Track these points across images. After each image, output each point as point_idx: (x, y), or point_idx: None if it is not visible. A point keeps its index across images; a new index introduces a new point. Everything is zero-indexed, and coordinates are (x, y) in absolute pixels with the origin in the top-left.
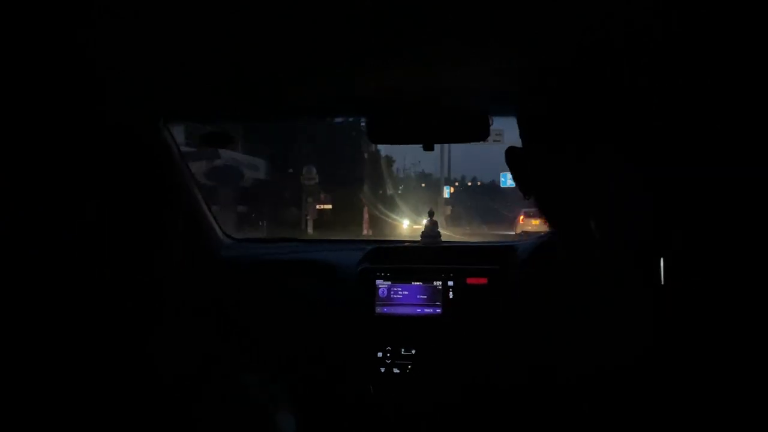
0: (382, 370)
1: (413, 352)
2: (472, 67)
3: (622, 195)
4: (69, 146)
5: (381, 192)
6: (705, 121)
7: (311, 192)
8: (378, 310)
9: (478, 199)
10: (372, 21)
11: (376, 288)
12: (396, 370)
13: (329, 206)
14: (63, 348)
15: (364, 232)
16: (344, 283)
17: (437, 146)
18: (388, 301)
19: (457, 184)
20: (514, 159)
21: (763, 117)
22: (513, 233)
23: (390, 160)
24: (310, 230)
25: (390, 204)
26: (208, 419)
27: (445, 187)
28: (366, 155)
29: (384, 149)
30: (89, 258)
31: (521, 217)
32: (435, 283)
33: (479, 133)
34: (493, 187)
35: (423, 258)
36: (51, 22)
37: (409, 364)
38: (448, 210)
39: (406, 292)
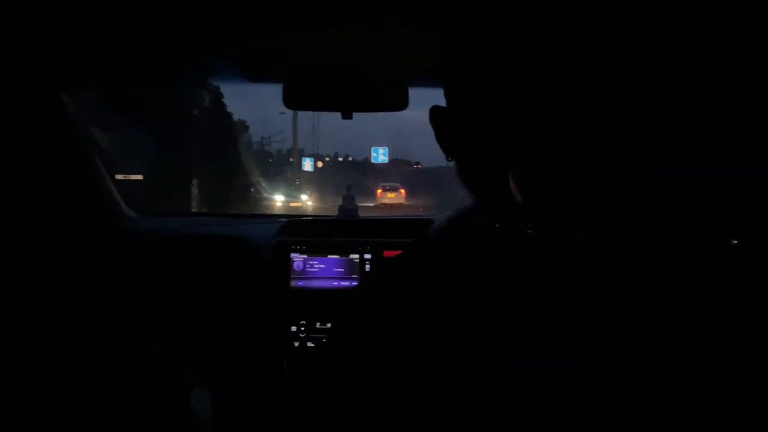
0: (296, 344)
1: (328, 325)
2: (395, 38)
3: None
4: None
5: (233, 164)
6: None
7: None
8: (293, 283)
9: (349, 174)
10: None
11: (290, 261)
12: (310, 344)
13: (138, 177)
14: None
15: (193, 210)
16: (259, 257)
17: (291, 115)
18: (304, 274)
19: (327, 159)
20: (438, 120)
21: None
22: (372, 205)
23: (243, 125)
24: None
25: (242, 176)
26: (123, 397)
27: (308, 160)
28: (196, 111)
29: (237, 115)
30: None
31: (379, 191)
32: (352, 256)
33: (397, 102)
34: (367, 164)
35: (340, 231)
36: None
37: (323, 338)
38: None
39: (322, 266)
